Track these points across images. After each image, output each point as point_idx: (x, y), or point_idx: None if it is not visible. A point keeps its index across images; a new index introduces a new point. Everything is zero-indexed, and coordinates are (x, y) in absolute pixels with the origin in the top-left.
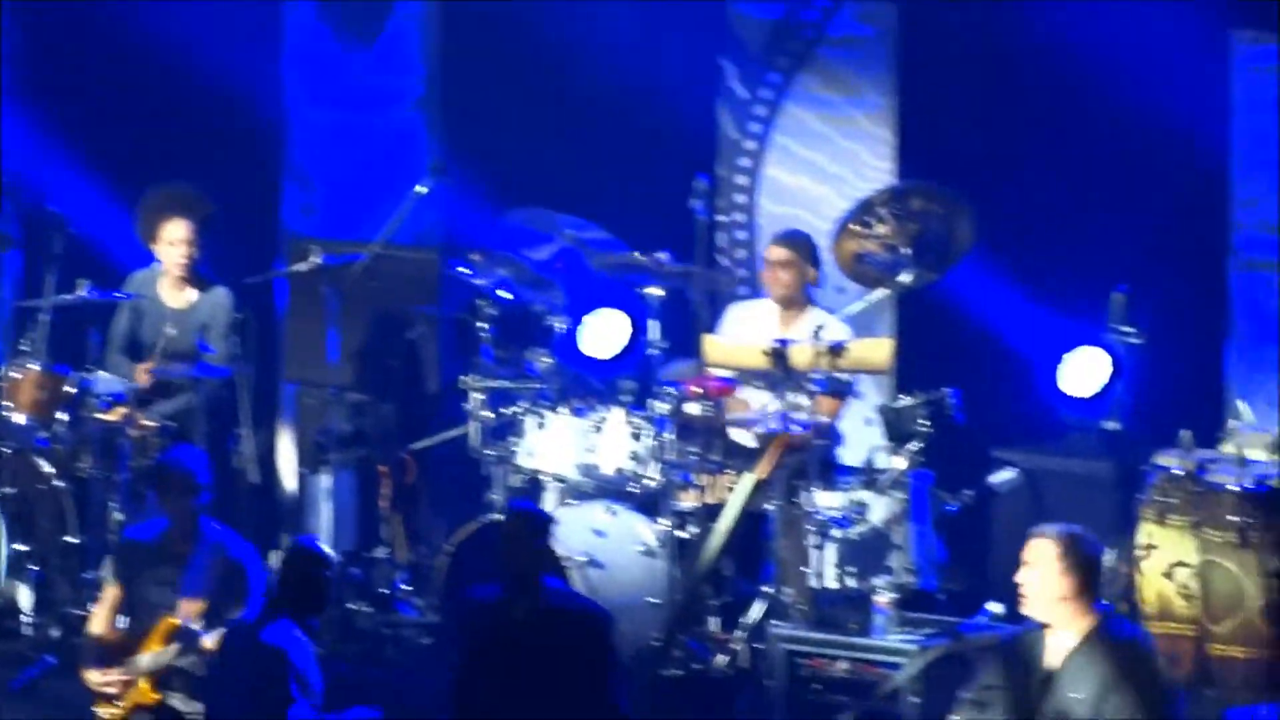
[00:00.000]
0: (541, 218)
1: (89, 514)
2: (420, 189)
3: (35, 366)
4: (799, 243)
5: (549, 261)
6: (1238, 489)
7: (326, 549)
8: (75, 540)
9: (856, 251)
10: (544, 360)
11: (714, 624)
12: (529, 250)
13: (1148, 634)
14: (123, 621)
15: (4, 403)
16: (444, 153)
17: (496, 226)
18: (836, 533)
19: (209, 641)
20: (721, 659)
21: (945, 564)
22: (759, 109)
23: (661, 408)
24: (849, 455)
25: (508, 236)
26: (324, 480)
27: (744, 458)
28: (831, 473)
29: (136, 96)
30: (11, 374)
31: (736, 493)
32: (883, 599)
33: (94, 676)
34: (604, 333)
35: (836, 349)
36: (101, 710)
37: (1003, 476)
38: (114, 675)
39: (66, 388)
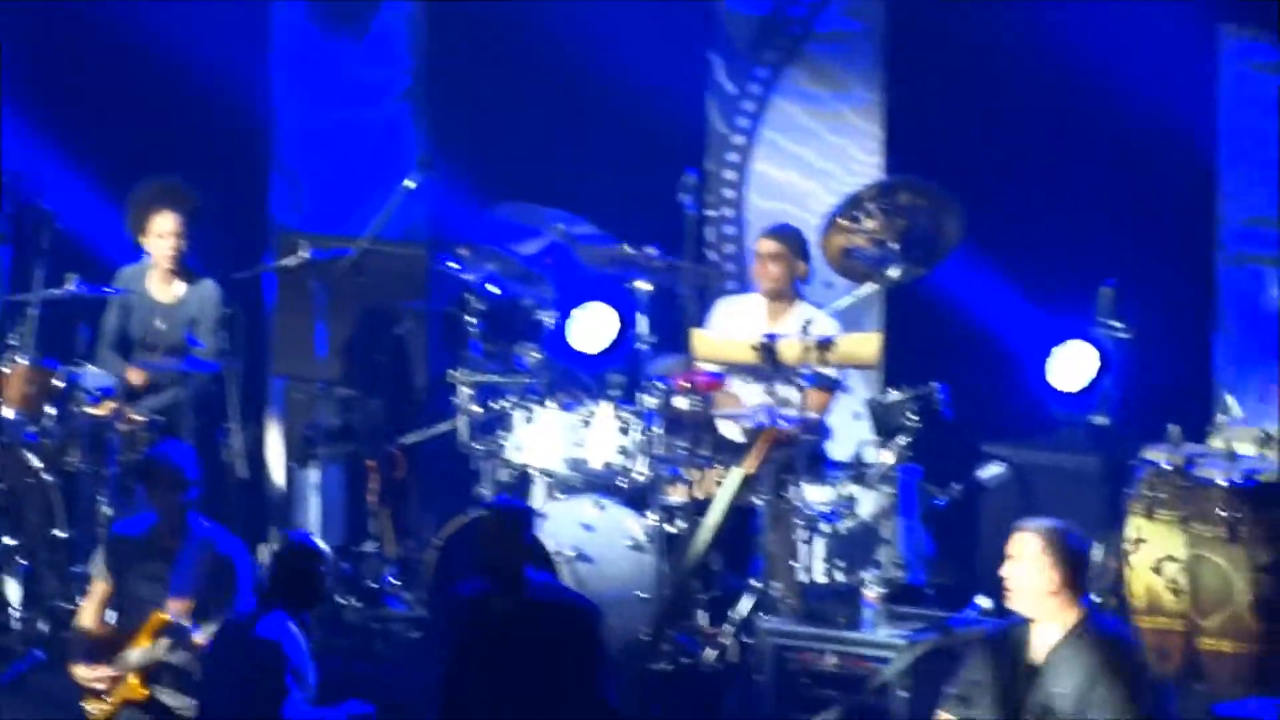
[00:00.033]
0: (530, 212)
1: (77, 508)
2: (408, 183)
3: (24, 361)
4: (789, 236)
5: (537, 256)
6: (1226, 484)
7: (321, 544)
8: (63, 534)
9: (845, 246)
10: (532, 355)
11: (702, 618)
12: (517, 245)
13: (1131, 629)
14: (111, 616)
15: None
16: (432, 147)
17: (485, 221)
18: (825, 527)
19: (199, 637)
20: (710, 653)
21: (933, 558)
22: (747, 104)
23: (650, 402)
24: (837, 450)
25: (496, 231)
26: (312, 475)
27: (732, 452)
28: (820, 467)
29: (125, 91)
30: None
31: (725, 487)
32: (871, 593)
33: (82, 672)
34: (592, 327)
35: (825, 344)
36: (90, 706)
37: (991, 471)
38: (102, 671)
39: (55, 382)
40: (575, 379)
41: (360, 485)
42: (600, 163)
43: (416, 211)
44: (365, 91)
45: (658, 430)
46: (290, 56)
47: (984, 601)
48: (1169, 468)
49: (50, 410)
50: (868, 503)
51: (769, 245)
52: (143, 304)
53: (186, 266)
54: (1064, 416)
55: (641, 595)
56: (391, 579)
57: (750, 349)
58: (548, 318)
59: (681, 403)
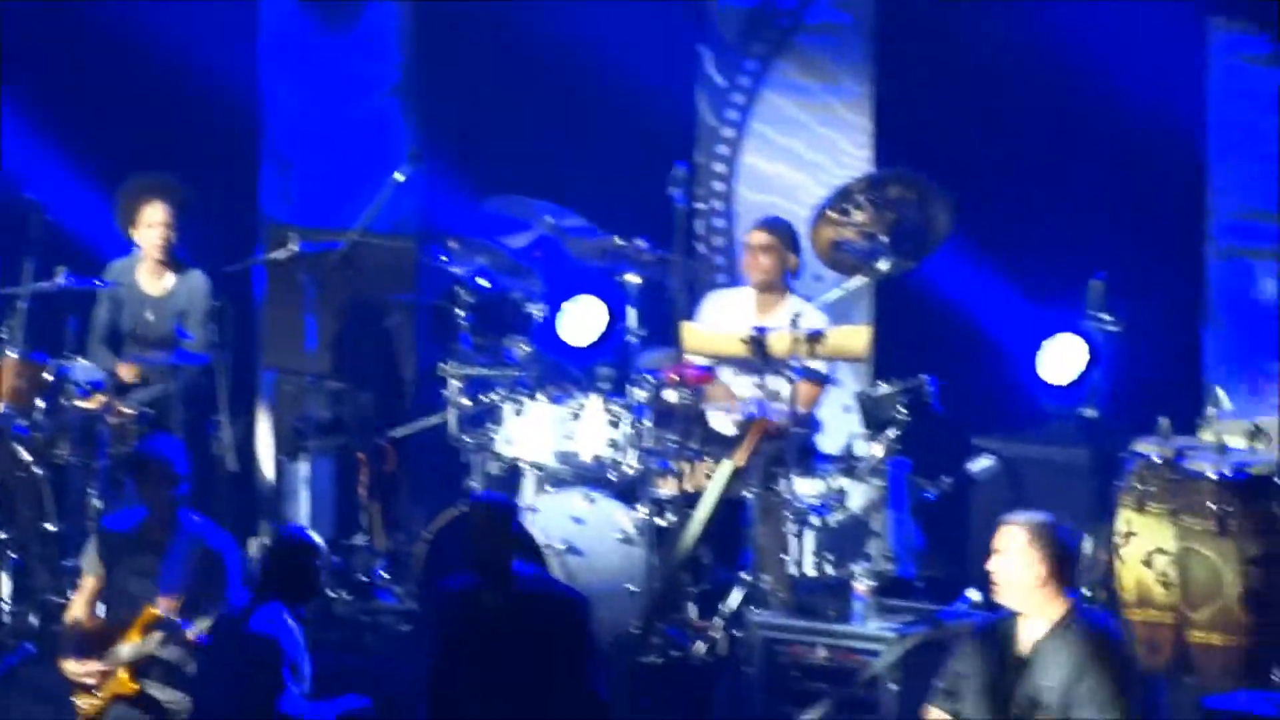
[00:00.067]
0: (519, 205)
1: (67, 501)
2: (398, 177)
3: (13, 354)
4: (780, 229)
5: (527, 249)
6: (1216, 476)
7: (315, 537)
8: (54, 528)
9: (834, 239)
10: (522, 347)
11: (693, 611)
12: (507, 237)
13: (1118, 622)
14: (101, 610)
15: None
16: (421, 140)
17: (474, 214)
18: (815, 520)
19: (192, 633)
20: (700, 646)
21: (923, 551)
22: (737, 96)
23: (640, 395)
24: (827, 443)
25: (486, 224)
26: (302, 468)
27: (722, 445)
28: (810, 460)
29: (115, 85)
30: None
31: (715, 480)
32: (861, 586)
33: (72, 667)
34: (582, 320)
35: (814, 337)
36: (80, 700)
37: (981, 464)
38: (92, 666)
39: (45, 375)
40: (565, 372)
41: (350, 478)
42: (590, 156)
43: (406, 205)
44: (355, 85)
45: (647, 423)
46: (280, 50)
47: (974, 595)
48: (1159, 461)
49: (40, 404)
50: (858, 496)
51: (760, 237)
52: (132, 297)
53: (176, 258)
54: (1054, 409)
55: (631, 588)
56: (381, 572)
57: (740, 342)
58: (537, 311)
59: (671, 396)
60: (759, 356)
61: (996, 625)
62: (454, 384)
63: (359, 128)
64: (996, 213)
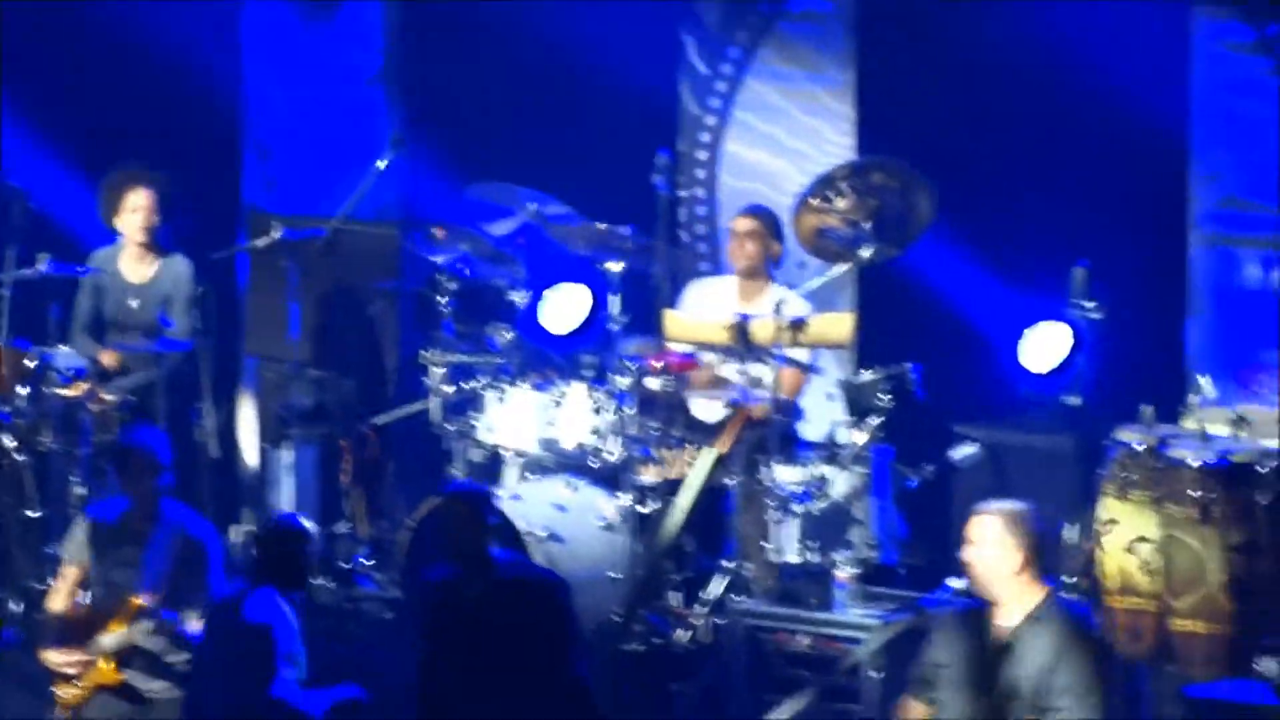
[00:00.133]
0: (502, 192)
1: (50, 489)
2: (381, 164)
3: None
4: (765, 216)
5: (510, 236)
6: (1199, 464)
7: (307, 524)
8: (36, 515)
9: (817, 226)
10: (505, 335)
11: (675, 599)
12: (490, 224)
13: (1093, 610)
14: (83, 599)
15: None
16: (404, 127)
17: (457, 201)
18: (797, 507)
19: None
20: (682, 634)
21: (906, 539)
22: (719, 84)
23: (622, 383)
24: (810, 430)
25: (468, 211)
26: (285, 455)
27: (705, 432)
28: (792, 447)
29: (97, 72)
30: None
31: (697, 468)
32: (844, 574)
33: (54, 656)
34: (565, 308)
35: (797, 324)
36: (61, 690)
37: (964, 451)
38: (74, 655)
39: (27, 362)
40: (547, 359)
41: (333, 465)
42: (573, 143)
43: (388, 192)
44: (337, 72)
45: (630, 411)
46: (262, 38)
47: (956, 582)
48: (1141, 448)
49: (22, 391)
50: (840, 483)
51: (745, 223)
52: (115, 284)
53: (158, 244)
54: (1037, 397)
55: (613, 576)
56: (364, 559)
57: (723, 329)
58: (520, 298)
59: (654, 383)
60: (742, 344)
61: (972, 613)
62: (436, 371)
63: (341, 115)
64: (980, 200)
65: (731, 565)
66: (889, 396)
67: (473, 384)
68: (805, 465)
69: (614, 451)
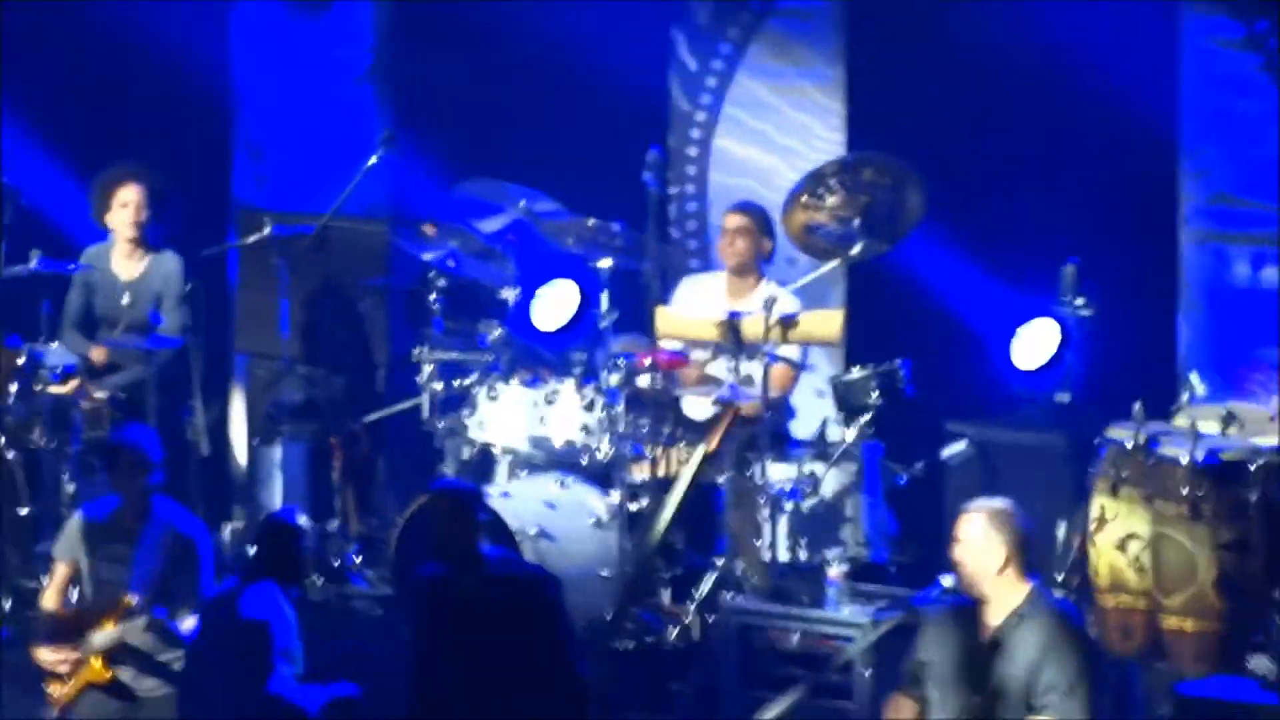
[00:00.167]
0: (493, 189)
1: (40, 486)
2: (371, 161)
3: None
4: (756, 212)
5: (500, 233)
6: (1190, 462)
7: (303, 520)
8: (26, 512)
9: (807, 223)
10: (495, 332)
11: (666, 596)
12: (480, 221)
13: (1078, 607)
14: (74, 596)
15: None
16: (394, 124)
17: (447, 197)
18: (788, 505)
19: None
20: (673, 631)
21: (897, 536)
22: (709, 80)
23: (613, 380)
24: (800, 427)
25: (458, 207)
26: (276, 452)
27: (695, 430)
28: (783, 445)
29: (88, 69)
30: None
31: (688, 465)
32: (834, 571)
33: (45, 654)
34: (555, 304)
35: (787, 321)
36: (52, 688)
37: (954, 449)
38: (65, 653)
39: (17, 359)
40: (538, 356)
41: (323, 463)
42: (563, 139)
43: (378, 189)
44: (327, 69)
45: (621, 408)
46: (252, 34)
47: (947, 580)
48: (1132, 446)
49: (13, 388)
50: (831, 480)
51: (735, 220)
52: (106, 281)
53: (149, 241)
54: (1027, 394)
55: (604, 573)
56: (354, 556)
57: (713, 326)
58: (510, 295)
59: (644, 380)
60: (732, 341)
61: (962, 611)
62: (427, 368)
63: (331, 112)
64: (969, 196)
65: (722, 563)
66: (879, 393)
67: (463, 381)
68: (796, 462)
69: (604, 449)
